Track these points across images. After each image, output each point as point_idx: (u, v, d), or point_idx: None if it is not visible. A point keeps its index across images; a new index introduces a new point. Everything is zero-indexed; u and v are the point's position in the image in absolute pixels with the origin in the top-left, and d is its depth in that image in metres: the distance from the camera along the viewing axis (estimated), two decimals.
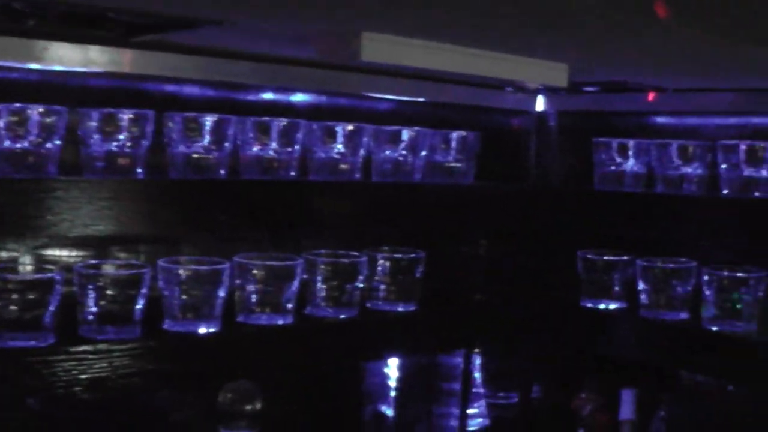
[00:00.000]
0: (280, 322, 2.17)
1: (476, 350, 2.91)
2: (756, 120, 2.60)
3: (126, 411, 2.20)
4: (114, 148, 2.02)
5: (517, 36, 1.84)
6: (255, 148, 2.21)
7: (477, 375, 2.94)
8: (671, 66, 2.19)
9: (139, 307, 1.97)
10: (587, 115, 2.91)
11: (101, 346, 1.89)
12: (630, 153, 2.61)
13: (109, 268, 2.02)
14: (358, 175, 2.34)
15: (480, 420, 2.93)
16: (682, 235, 2.58)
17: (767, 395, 2.47)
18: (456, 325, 2.55)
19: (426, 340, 2.49)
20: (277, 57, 2.29)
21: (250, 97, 2.41)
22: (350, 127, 2.32)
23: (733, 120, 2.66)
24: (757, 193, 2.39)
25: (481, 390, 2.95)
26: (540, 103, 2.95)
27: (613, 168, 2.63)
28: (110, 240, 2.15)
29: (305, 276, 2.24)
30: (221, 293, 2.07)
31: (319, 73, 2.40)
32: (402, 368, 2.76)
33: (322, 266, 2.25)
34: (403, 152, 2.41)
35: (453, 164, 2.53)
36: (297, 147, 2.25)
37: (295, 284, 2.18)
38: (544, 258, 2.77)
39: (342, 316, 2.27)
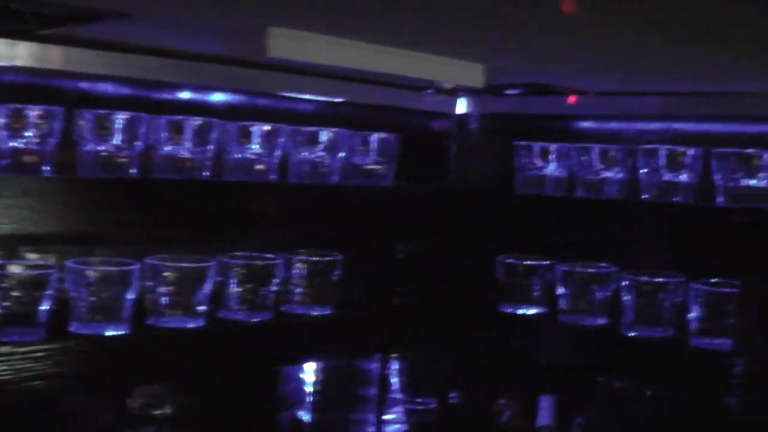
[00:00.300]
0: (191, 325, 2.12)
1: (394, 355, 2.88)
2: (678, 125, 2.61)
3: (33, 414, 2.15)
4: (20, 145, 1.96)
5: (430, 34, 1.82)
6: (168, 148, 2.17)
7: (395, 380, 2.92)
8: (585, 65, 2.18)
9: (43, 308, 1.92)
10: (509, 118, 2.90)
11: (3, 349, 1.84)
12: (551, 157, 2.60)
13: (13, 269, 1.96)
14: (273, 176, 2.30)
15: (398, 426, 2.91)
16: (602, 239, 2.57)
17: (685, 400, 2.47)
18: (373, 329, 2.53)
19: (342, 345, 2.47)
20: (194, 54, 2.25)
21: (167, 96, 2.37)
22: (266, 127, 2.28)
23: (655, 125, 2.67)
24: (676, 198, 2.39)
25: (399, 395, 2.92)
26: (461, 106, 2.94)
27: (534, 172, 2.62)
28: (17, 240, 2.09)
29: (219, 278, 2.20)
30: (130, 295, 2.03)
31: (236, 72, 2.36)
32: (319, 373, 2.73)
33: (236, 268, 2.21)
34: (321, 153, 2.37)
35: (372, 166, 2.50)
36: (211, 147, 2.20)
37: (207, 287, 2.14)
38: (463, 262, 2.75)
39: (255, 320, 2.23)
